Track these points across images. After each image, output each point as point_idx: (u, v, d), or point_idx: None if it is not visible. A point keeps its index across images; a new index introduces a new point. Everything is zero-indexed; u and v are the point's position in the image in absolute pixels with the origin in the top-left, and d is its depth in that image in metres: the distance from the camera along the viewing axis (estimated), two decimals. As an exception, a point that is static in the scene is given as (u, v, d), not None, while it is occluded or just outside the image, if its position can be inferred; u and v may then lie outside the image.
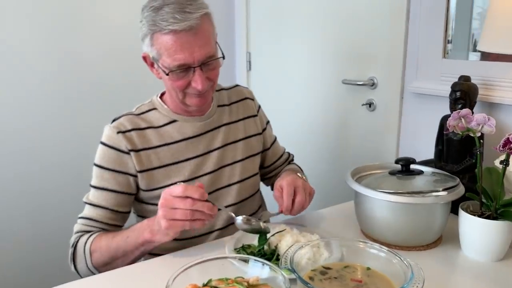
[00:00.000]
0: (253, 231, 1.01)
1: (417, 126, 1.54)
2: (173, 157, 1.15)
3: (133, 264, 1.02)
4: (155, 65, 1.10)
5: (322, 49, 1.91)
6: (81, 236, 1.11)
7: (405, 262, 0.80)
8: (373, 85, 1.70)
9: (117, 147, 1.11)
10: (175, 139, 1.16)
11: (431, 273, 0.89)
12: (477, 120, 1.00)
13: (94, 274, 1.06)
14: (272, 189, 1.44)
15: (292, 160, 1.47)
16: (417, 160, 1.35)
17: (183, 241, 1.16)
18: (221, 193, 1.21)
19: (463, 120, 1.01)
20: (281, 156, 1.42)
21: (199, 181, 1.16)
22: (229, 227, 1.21)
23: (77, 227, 1.14)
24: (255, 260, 0.84)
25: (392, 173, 1.10)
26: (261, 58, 2.30)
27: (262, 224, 1.01)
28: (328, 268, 0.88)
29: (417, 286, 0.73)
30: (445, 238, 1.07)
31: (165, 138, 1.16)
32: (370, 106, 1.72)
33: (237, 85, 1.36)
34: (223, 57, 1.12)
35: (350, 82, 1.77)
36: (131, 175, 1.12)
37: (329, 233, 1.08)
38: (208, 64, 1.07)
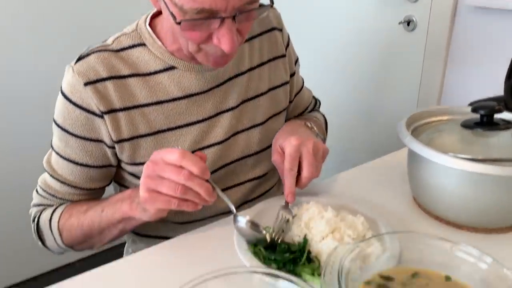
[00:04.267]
0: (257, 240, 0.70)
1: (473, 51, 1.19)
2: (167, 120, 0.80)
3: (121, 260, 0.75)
4: None
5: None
6: (42, 211, 0.84)
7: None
8: (414, -4, 1.32)
9: (85, 106, 0.75)
10: (172, 95, 0.80)
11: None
12: None
13: (69, 250, 0.86)
14: None
15: (315, 107, 1.10)
16: (475, 98, 1.04)
17: (174, 225, 0.88)
18: (230, 169, 0.88)
19: None
20: (306, 109, 1.05)
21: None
22: (240, 208, 0.91)
23: (36, 198, 0.86)
24: (288, 280, 0.55)
25: (467, 125, 0.78)
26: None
27: (268, 235, 0.69)
28: (389, 279, 0.60)
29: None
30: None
31: (157, 93, 0.79)
32: (408, 25, 1.36)
33: (260, 5, 0.89)
34: (272, 3, 0.71)
35: (383, -7, 1.39)
36: (106, 145, 0.79)
37: (372, 206, 0.79)
38: (244, 13, 0.67)
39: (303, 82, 1.04)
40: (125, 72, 0.78)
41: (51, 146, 0.82)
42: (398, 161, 0.96)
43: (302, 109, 1.04)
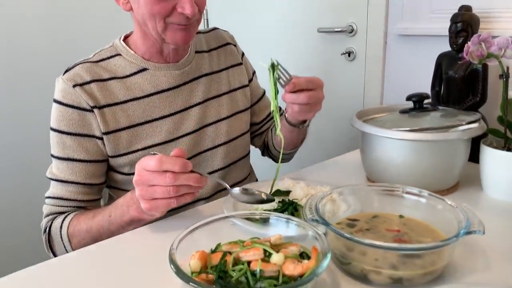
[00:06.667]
0: (255, 201, 0.79)
1: (403, 71, 1.42)
2: (144, 114, 0.94)
3: (120, 235, 0.81)
4: None
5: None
6: (53, 219, 0.91)
7: (456, 207, 0.66)
8: (352, 31, 1.56)
9: (76, 104, 0.88)
10: (146, 92, 0.95)
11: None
12: (499, 43, 0.88)
13: None
14: (263, 153, 1.25)
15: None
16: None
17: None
18: (204, 157, 1.01)
19: (483, 45, 0.89)
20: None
21: (178, 143, 0.96)
22: (216, 195, 1.03)
23: (46, 208, 0.92)
24: (276, 217, 0.67)
25: (404, 111, 0.96)
26: (222, 14, 2.09)
27: (263, 194, 0.79)
28: (355, 220, 0.74)
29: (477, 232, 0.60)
30: (464, 182, 0.96)
31: (133, 91, 0.94)
32: (349, 55, 1.59)
33: (215, 28, 1.14)
34: None
35: (326, 30, 1.62)
36: (97, 138, 0.90)
37: (335, 184, 0.93)
38: None
39: (264, 91, 1.20)
40: (106, 76, 0.92)
41: (51, 156, 0.91)
42: (351, 158, 1.15)
43: (270, 110, 1.19)
